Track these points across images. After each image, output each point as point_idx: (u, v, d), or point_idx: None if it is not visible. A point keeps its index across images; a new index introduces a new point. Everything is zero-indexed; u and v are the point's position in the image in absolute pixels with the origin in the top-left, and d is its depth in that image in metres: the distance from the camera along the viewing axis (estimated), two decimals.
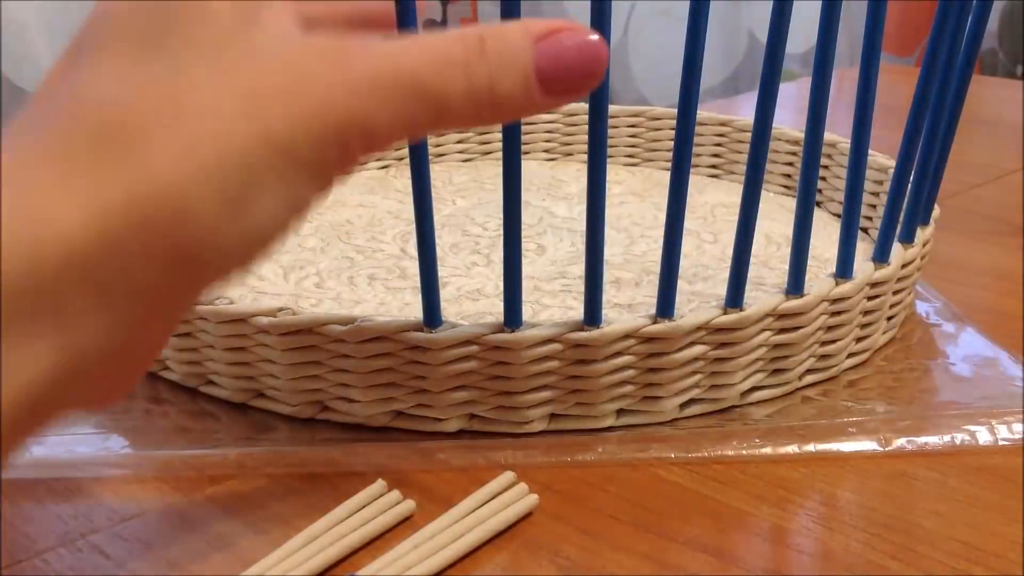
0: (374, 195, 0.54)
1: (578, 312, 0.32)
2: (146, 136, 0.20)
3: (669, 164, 0.42)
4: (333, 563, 0.27)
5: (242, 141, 0.21)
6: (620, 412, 0.34)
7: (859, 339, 0.38)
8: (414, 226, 0.31)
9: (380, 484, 0.30)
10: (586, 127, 0.62)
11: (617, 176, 0.57)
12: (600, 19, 0.27)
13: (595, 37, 0.24)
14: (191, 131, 0.21)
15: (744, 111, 0.73)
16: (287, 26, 0.23)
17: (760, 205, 0.32)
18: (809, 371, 0.36)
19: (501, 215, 0.30)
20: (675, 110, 0.30)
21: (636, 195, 0.54)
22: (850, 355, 0.38)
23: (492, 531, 0.28)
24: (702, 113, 0.56)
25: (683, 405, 0.34)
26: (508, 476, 0.30)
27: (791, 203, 0.39)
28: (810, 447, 0.32)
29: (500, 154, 0.38)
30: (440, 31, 0.23)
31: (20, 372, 0.19)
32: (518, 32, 0.23)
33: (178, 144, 0.20)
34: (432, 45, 0.23)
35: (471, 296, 0.41)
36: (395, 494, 0.29)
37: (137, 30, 0.22)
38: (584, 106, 0.59)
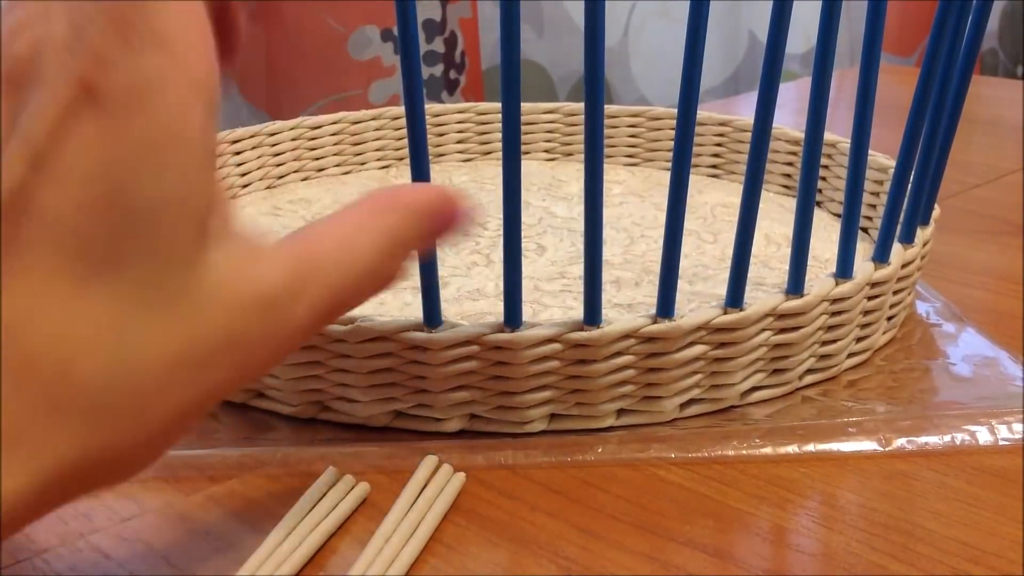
0: None
1: (578, 312, 0.32)
2: (100, 404, 0.19)
3: (669, 164, 0.42)
4: (315, 551, 0.27)
5: (188, 409, 0.21)
6: (620, 412, 0.34)
7: (859, 339, 0.38)
8: None
9: (332, 471, 0.30)
10: None
11: (617, 176, 0.57)
12: (593, 19, 0.27)
13: (456, 200, 0.25)
14: (141, 400, 0.20)
15: (744, 111, 0.73)
16: (220, 264, 0.21)
17: (760, 205, 0.32)
18: (809, 371, 0.36)
19: (502, 215, 0.30)
20: (675, 110, 0.30)
21: (636, 195, 0.54)
22: (850, 355, 0.38)
23: (442, 513, 0.29)
24: (702, 113, 0.56)
25: (683, 405, 0.34)
26: (432, 460, 0.31)
27: (791, 203, 0.39)
28: (810, 447, 0.32)
29: (500, 154, 0.37)
30: (353, 213, 0.24)
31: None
32: (412, 232, 0.25)
33: (128, 415, 0.20)
34: (351, 270, 0.23)
35: (471, 296, 0.41)
36: (348, 479, 0.30)
37: (81, 249, 0.19)
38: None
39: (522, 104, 0.29)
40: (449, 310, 0.39)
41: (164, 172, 0.20)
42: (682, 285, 0.35)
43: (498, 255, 0.45)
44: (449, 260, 0.45)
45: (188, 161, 0.20)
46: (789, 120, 0.67)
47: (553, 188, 0.55)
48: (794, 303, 0.34)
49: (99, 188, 0.19)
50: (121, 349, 0.20)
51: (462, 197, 0.26)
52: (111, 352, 0.20)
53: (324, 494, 0.29)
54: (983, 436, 0.33)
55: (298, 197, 0.54)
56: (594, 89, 0.29)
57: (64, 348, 0.19)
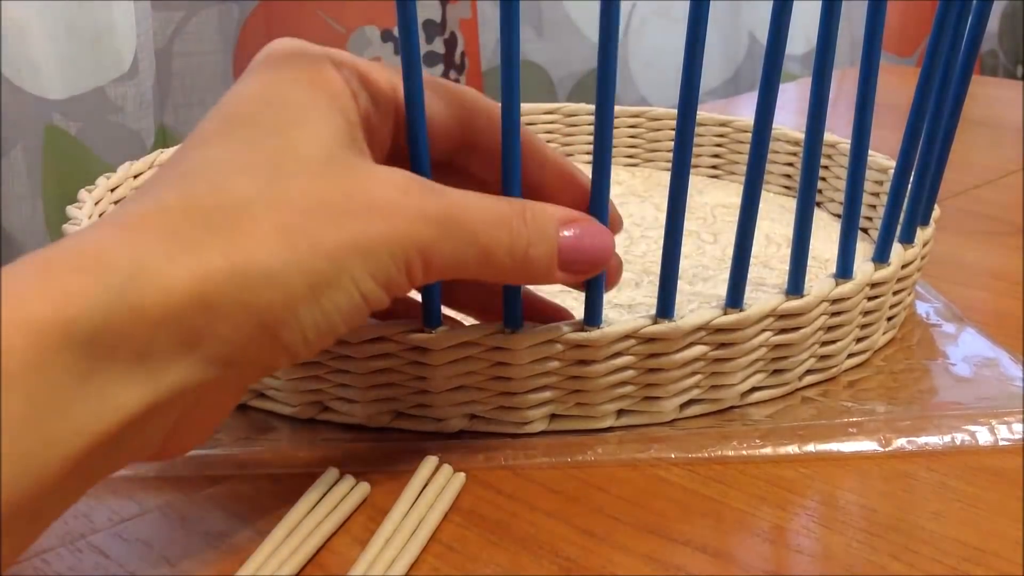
0: None
1: (578, 312, 0.32)
2: (253, 220, 0.24)
3: (669, 164, 0.42)
4: (316, 551, 0.27)
5: (333, 243, 0.24)
6: (620, 412, 0.34)
7: (859, 339, 0.38)
8: None
9: (332, 471, 0.30)
10: (586, 127, 0.62)
11: (617, 176, 0.57)
12: (608, 21, 0.27)
13: (607, 235, 0.29)
14: (292, 224, 0.24)
15: (744, 111, 0.73)
16: (374, 164, 0.27)
17: (760, 205, 0.32)
18: (809, 371, 0.36)
19: None
20: (675, 110, 0.30)
21: (636, 195, 0.54)
22: (850, 355, 0.38)
23: (442, 513, 0.29)
24: (702, 113, 0.56)
25: (683, 405, 0.34)
26: (432, 460, 0.31)
27: (791, 203, 0.39)
28: (810, 447, 0.32)
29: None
30: (491, 196, 0.28)
31: (112, 408, 0.22)
32: (550, 212, 0.28)
33: (279, 232, 0.24)
34: (489, 206, 0.27)
35: None
36: (348, 479, 0.30)
37: (256, 127, 0.25)
38: (584, 106, 0.59)
39: (522, 104, 0.29)
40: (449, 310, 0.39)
41: None
42: (682, 285, 0.35)
43: None
44: None
45: None
46: (789, 120, 0.67)
47: None
48: (794, 303, 0.34)
49: None
50: (283, 193, 0.24)
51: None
52: (274, 192, 0.24)
53: (324, 494, 0.29)
54: (983, 436, 0.33)
55: None
56: (605, 88, 0.29)
57: (241, 185, 0.24)
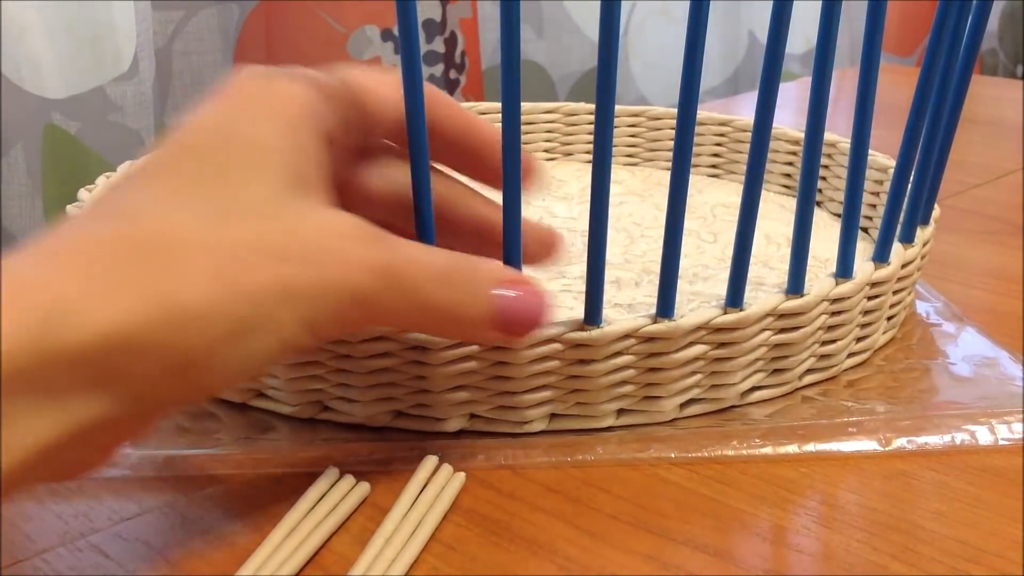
0: None
1: (578, 312, 0.32)
2: (186, 261, 0.23)
3: (669, 164, 0.42)
4: (316, 551, 0.28)
5: (262, 287, 0.24)
6: (620, 412, 0.34)
7: (859, 339, 0.38)
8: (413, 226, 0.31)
9: (332, 471, 0.30)
10: (586, 127, 0.62)
11: (617, 176, 0.57)
12: (608, 21, 0.27)
13: (543, 299, 0.29)
14: (224, 267, 0.24)
15: (744, 111, 0.73)
16: (321, 205, 0.26)
17: (760, 205, 0.32)
18: (809, 371, 0.36)
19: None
20: (675, 110, 0.30)
21: (636, 195, 0.54)
22: (850, 355, 0.38)
23: (442, 513, 0.29)
24: (702, 113, 0.56)
25: (683, 405, 0.34)
26: (432, 460, 0.31)
27: (791, 203, 0.39)
28: (810, 447, 0.32)
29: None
30: (435, 248, 0.28)
31: (23, 445, 0.22)
32: (489, 272, 0.28)
33: (209, 275, 0.23)
34: (433, 261, 0.27)
35: None
36: (348, 479, 0.30)
37: (205, 164, 0.25)
38: (584, 106, 0.59)
39: (522, 104, 0.29)
40: None
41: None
42: (682, 285, 0.35)
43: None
44: None
45: None
46: (789, 120, 0.67)
47: (553, 188, 0.55)
48: (794, 303, 0.34)
49: None
50: (218, 232, 0.24)
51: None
52: (207, 231, 0.24)
53: (324, 494, 0.29)
54: (983, 436, 0.33)
55: None
56: (605, 88, 0.29)
57: (169, 222, 0.24)
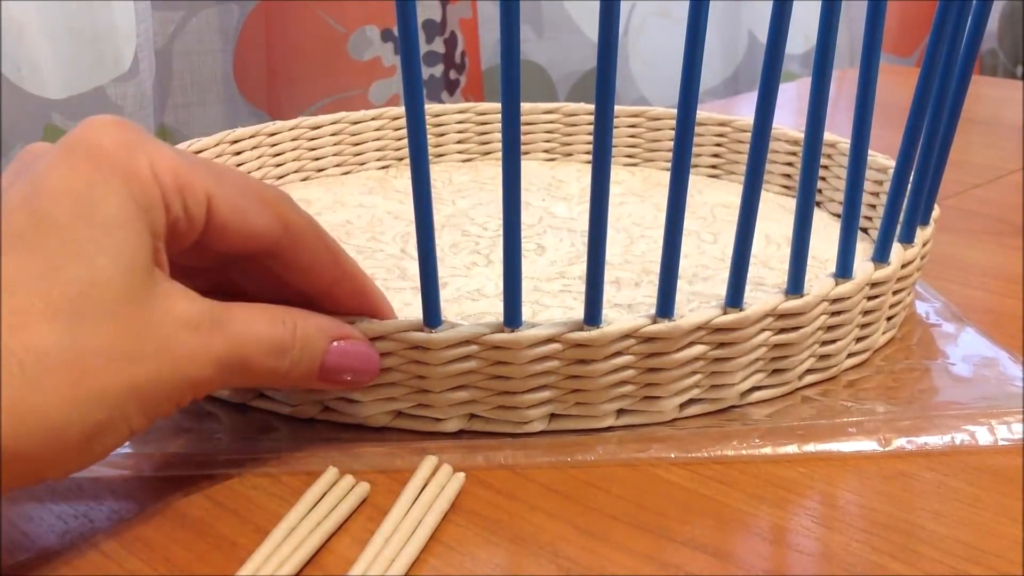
0: (374, 195, 0.54)
1: (578, 312, 0.32)
2: (46, 373, 0.24)
3: (669, 164, 0.42)
4: (315, 551, 0.28)
5: (116, 391, 0.25)
6: (620, 412, 0.34)
7: (859, 339, 0.38)
8: (414, 226, 0.31)
9: (332, 471, 0.30)
10: (586, 127, 0.62)
11: (617, 176, 0.57)
12: (608, 21, 0.27)
13: (372, 354, 0.31)
14: (82, 377, 0.24)
15: (744, 111, 0.73)
16: (172, 292, 0.27)
17: (760, 205, 0.32)
18: (809, 371, 0.36)
19: (501, 215, 0.30)
20: (675, 110, 0.30)
21: (636, 195, 0.54)
22: (850, 355, 0.38)
23: (442, 512, 0.29)
24: (702, 113, 0.56)
25: (683, 405, 0.34)
26: (432, 460, 0.31)
27: (791, 203, 0.39)
28: (810, 447, 0.33)
29: (500, 154, 0.37)
30: (269, 312, 0.29)
31: None
32: (322, 331, 0.30)
33: (67, 385, 0.24)
34: (266, 334, 0.29)
35: (471, 296, 0.41)
36: (348, 479, 0.30)
37: (63, 243, 0.25)
38: (584, 106, 0.59)
39: (522, 104, 0.29)
40: (449, 310, 0.39)
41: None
42: (682, 285, 0.35)
43: (498, 255, 0.45)
44: (449, 260, 0.45)
45: None
46: (789, 120, 0.67)
47: (553, 188, 0.55)
48: (794, 303, 0.34)
49: None
50: (75, 325, 0.25)
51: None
52: (59, 343, 0.24)
53: (324, 494, 0.29)
54: (983, 436, 0.33)
55: (298, 197, 0.54)
56: (605, 88, 0.29)
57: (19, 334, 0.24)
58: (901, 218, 0.38)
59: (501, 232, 0.31)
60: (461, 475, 0.31)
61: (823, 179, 0.52)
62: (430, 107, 0.59)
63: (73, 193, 0.26)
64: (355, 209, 0.51)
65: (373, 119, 0.58)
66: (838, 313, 0.36)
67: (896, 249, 0.38)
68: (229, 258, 0.30)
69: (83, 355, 0.25)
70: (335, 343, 0.30)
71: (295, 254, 0.30)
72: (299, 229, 0.30)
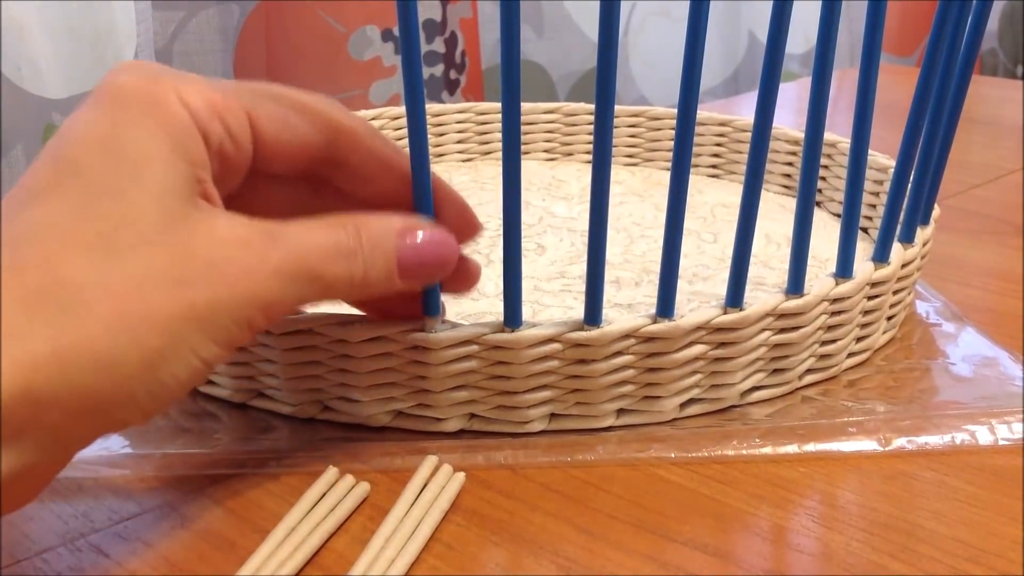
0: None
1: (578, 312, 0.32)
2: (85, 305, 0.23)
3: (669, 164, 0.42)
4: (315, 551, 0.28)
5: (168, 316, 0.24)
6: (620, 412, 0.34)
7: (859, 339, 0.38)
8: None
9: (332, 471, 0.30)
10: (586, 127, 0.62)
11: (617, 176, 0.57)
12: (608, 21, 0.27)
13: (448, 240, 0.29)
14: (125, 303, 0.23)
15: (744, 111, 0.73)
16: (215, 214, 0.26)
17: (760, 205, 0.32)
18: (809, 371, 0.36)
19: (501, 215, 0.30)
20: (675, 110, 0.30)
21: (636, 195, 0.54)
22: (850, 355, 0.38)
23: (442, 512, 0.29)
24: (702, 113, 0.56)
25: (683, 405, 0.34)
26: (432, 460, 0.31)
27: (791, 203, 0.39)
28: (810, 447, 0.33)
29: (500, 154, 0.37)
30: (327, 220, 0.27)
31: None
32: (388, 228, 0.28)
33: (111, 314, 0.23)
34: (324, 236, 0.27)
35: (471, 296, 0.41)
36: (348, 479, 0.30)
37: (91, 183, 0.24)
38: (584, 106, 0.59)
39: (522, 104, 0.29)
40: (449, 310, 0.39)
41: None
42: (682, 285, 0.35)
43: (498, 255, 0.45)
44: None
45: None
46: (789, 120, 0.67)
47: (553, 188, 0.55)
48: (794, 303, 0.34)
49: None
50: (113, 267, 0.23)
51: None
52: (102, 268, 0.23)
53: (324, 494, 0.29)
54: (983, 436, 0.33)
55: None
56: (605, 88, 0.29)
57: (61, 263, 0.23)
58: (901, 218, 0.38)
59: (501, 232, 0.31)
60: (461, 475, 0.31)
61: (823, 179, 0.52)
62: (430, 107, 0.59)
63: (97, 136, 0.25)
64: None
65: (373, 119, 0.58)
66: (838, 313, 0.36)
67: (896, 249, 0.38)
68: (291, 180, 0.29)
69: (123, 283, 0.23)
70: (406, 238, 0.28)
71: (356, 160, 0.29)
72: (353, 132, 0.29)
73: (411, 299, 0.31)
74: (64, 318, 0.22)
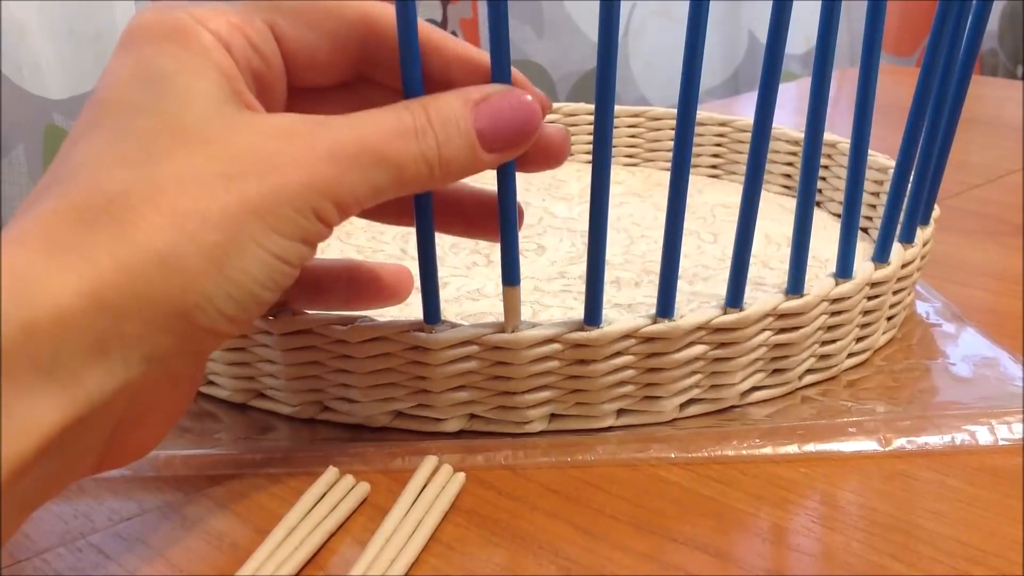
0: None
1: (578, 312, 0.32)
2: (133, 209, 0.23)
3: (669, 164, 0.42)
4: (316, 551, 0.28)
5: (221, 210, 0.23)
6: (620, 412, 0.34)
7: (859, 339, 0.38)
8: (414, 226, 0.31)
9: (332, 471, 0.30)
10: (586, 127, 0.62)
11: (617, 176, 0.57)
12: (608, 21, 0.27)
13: (528, 97, 0.27)
14: (174, 202, 0.23)
15: (744, 111, 0.73)
16: (258, 113, 0.25)
17: (760, 205, 0.32)
18: (809, 371, 0.36)
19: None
20: (675, 110, 0.30)
21: (636, 195, 0.54)
22: (850, 355, 0.38)
23: (442, 513, 0.29)
24: (702, 113, 0.56)
25: (683, 405, 0.34)
26: (432, 460, 0.31)
27: (791, 203, 0.39)
28: (810, 447, 0.33)
29: None
30: (389, 106, 0.26)
31: (26, 430, 0.21)
32: (457, 100, 0.26)
33: (161, 215, 0.23)
34: (383, 117, 0.25)
35: (471, 296, 0.41)
36: (348, 479, 0.30)
37: (127, 110, 0.24)
38: (584, 106, 0.59)
39: None
40: (449, 310, 0.39)
41: None
42: (682, 285, 0.35)
43: (498, 255, 0.45)
44: (449, 260, 0.45)
45: None
46: (789, 120, 0.67)
47: (553, 188, 0.55)
48: (794, 303, 0.34)
49: None
50: (160, 172, 0.23)
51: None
52: (151, 175, 0.23)
53: (324, 494, 0.29)
54: (983, 436, 0.33)
55: None
56: (605, 88, 0.29)
57: (112, 176, 0.23)
58: (901, 218, 0.38)
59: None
60: (461, 475, 0.31)
61: (823, 179, 0.52)
62: None
63: (126, 73, 0.25)
64: None
65: None
66: (838, 313, 0.36)
67: (896, 249, 0.38)
68: (341, 93, 0.28)
69: (168, 183, 0.23)
70: (480, 107, 0.27)
71: (388, 53, 0.28)
72: (387, 21, 0.28)
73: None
74: (117, 227, 0.22)
